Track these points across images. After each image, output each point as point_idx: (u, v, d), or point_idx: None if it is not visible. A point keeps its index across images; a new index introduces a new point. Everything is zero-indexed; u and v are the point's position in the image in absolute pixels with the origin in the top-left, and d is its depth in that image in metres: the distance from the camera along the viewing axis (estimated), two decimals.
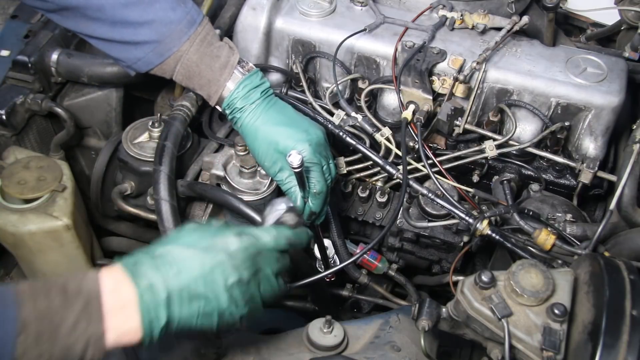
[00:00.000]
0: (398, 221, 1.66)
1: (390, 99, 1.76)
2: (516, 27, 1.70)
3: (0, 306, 0.84)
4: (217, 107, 1.50)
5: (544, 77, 1.64)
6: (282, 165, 1.42)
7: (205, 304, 0.98)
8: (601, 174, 1.61)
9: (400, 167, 1.55)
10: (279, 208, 1.31)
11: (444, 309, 1.23)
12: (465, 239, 1.65)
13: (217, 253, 1.01)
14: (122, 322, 0.91)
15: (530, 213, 1.54)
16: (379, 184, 1.78)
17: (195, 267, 0.97)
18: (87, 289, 0.89)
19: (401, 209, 1.65)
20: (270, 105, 1.47)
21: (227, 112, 1.47)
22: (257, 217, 1.45)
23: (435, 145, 1.73)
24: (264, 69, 1.82)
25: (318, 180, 1.43)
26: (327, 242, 1.69)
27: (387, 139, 1.67)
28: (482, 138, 1.68)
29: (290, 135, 1.41)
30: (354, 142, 1.62)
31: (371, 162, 1.66)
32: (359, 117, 1.70)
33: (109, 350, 0.91)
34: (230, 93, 1.44)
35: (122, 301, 0.92)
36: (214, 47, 1.45)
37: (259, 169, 1.56)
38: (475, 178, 1.75)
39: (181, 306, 0.96)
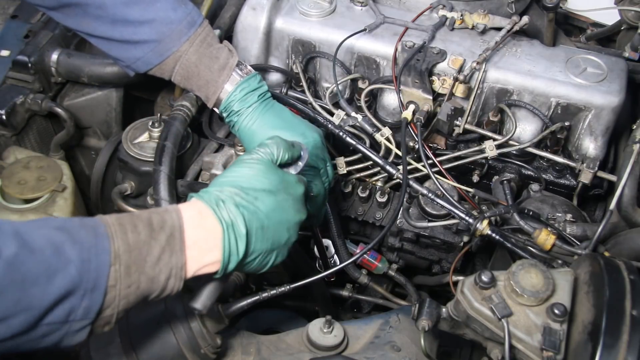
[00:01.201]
0: (398, 221, 1.67)
1: (390, 99, 1.76)
2: (516, 27, 1.70)
3: (95, 237, 0.88)
4: (215, 110, 1.50)
5: (544, 77, 1.64)
6: None
7: (272, 243, 1.08)
8: (601, 174, 1.61)
9: (400, 167, 1.55)
10: (304, 159, 1.24)
11: (444, 309, 1.23)
12: (465, 239, 1.65)
13: (288, 196, 1.10)
14: (203, 255, 0.97)
15: (530, 213, 1.54)
16: (379, 184, 1.78)
17: (269, 208, 1.06)
18: (171, 223, 0.94)
19: (401, 209, 1.65)
20: (267, 109, 1.47)
21: (225, 114, 1.47)
22: None
23: (435, 145, 1.73)
24: (264, 69, 1.82)
25: (315, 184, 1.43)
26: (327, 242, 1.69)
27: (387, 139, 1.67)
28: (482, 138, 1.68)
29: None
30: (354, 142, 1.62)
31: (371, 162, 1.66)
32: (359, 117, 1.70)
33: (188, 280, 0.97)
34: (228, 95, 1.44)
35: (205, 235, 0.97)
36: (213, 49, 1.45)
37: None
38: (475, 178, 1.75)
39: (256, 243, 1.04)
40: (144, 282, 0.91)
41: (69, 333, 0.87)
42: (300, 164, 1.21)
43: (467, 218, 1.47)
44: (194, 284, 1.08)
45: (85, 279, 0.85)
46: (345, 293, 1.77)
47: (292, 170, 1.20)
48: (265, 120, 1.44)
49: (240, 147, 1.57)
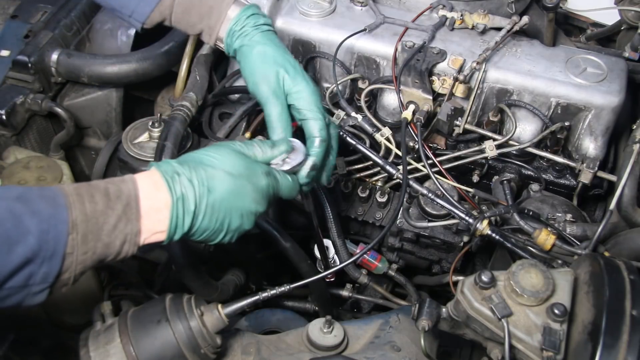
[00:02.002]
0: (398, 221, 1.67)
1: (390, 99, 1.76)
2: (516, 27, 1.70)
3: (53, 208, 0.92)
4: (218, 44, 1.41)
5: (544, 77, 1.64)
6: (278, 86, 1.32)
7: (221, 224, 1.08)
8: (601, 174, 1.61)
9: (400, 167, 1.55)
10: (298, 158, 1.23)
11: (444, 309, 1.23)
12: (465, 239, 1.65)
13: (246, 184, 1.09)
14: (154, 224, 1.01)
15: (530, 213, 1.54)
16: (379, 184, 1.78)
17: (224, 190, 1.06)
18: (127, 193, 0.98)
19: (401, 209, 1.65)
20: (272, 38, 1.37)
21: (227, 40, 1.38)
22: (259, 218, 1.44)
23: (435, 145, 1.73)
24: None
25: (322, 128, 1.31)
26: (327, 242, 1.69)
27: (387, 139, 1.67)
28: (482, 138, 1.68)
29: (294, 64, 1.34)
30: (354, 142, 1.63)
31: (371, 162, 1.66)
32: (359, 117, 1.70)
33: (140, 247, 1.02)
34: (235, 18, 1.35)
35: (157, 206, 1.00)
36: None
37: None
38: (475, 178, 1.75)
39: (203, 220, 1.05)
40: (100, 248, 0.96)
41: (29, 295, 0.92)
42: (290, 161, 1.20)
43: (467, 218, 1.47)
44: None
45: (44, 248, 0.89)
46: (345, 293, 1.77)
47: (286, 166, 1.20)
48: (275, 42, 1.35)
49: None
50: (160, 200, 1.01)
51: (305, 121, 1.28)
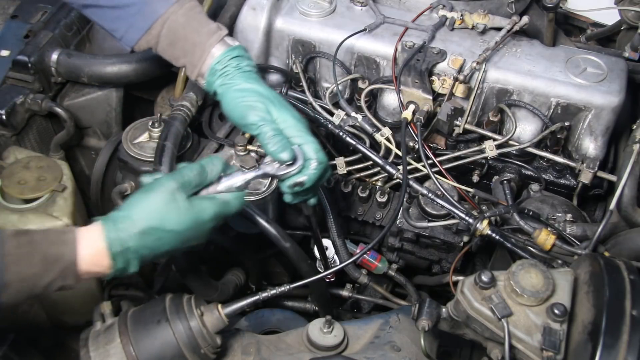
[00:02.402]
0: (398, 221, 1.66)
1: (390, 99, 1.76)
2: (516, 27, 1.70)
3: None
4: (199, 81, 1.42)
5: (544, 77, 1.64)
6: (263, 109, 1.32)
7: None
8: (601, 174, 1.61)
9: (400, 167, 1.55)
10: (238, 181, 1.22)
11: (444, 309, 1.23)
12: (465, 239, 1.65)
13: (194, 232, 1.13)
14: (93, 275, 1.08)
15: (530, 213, 1.54)
16: (379, 184, 1.78)
17: (171, 245, 1.12)
18: (67, 258, 1.03)
19: (401, 209, 1.65)
20: (254, 77, 1.37)
21: (209, 78, 1.38)
22: (258, 218, 1.45)
23: (435, 145, 1.73)
24: (264, 69, 1.82)
25: (317, 150, 1.31)
26: (327, 242, 1.69)
27: (387, 139, 1.67)
28: (482, 138, 1.68)
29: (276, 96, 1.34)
30: (354, 142, 1.63)
31: (371, 162, 1.66)
32: (359, 117, 1.70)
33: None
34: (217, 58, 1.36)
35: (97, 270, 1.07)
36: (202, 16, 1.41)
37: (261, 172, 1.55)
38: (475, 178, 1.75)
39: (144, 263, 1.12)
40: (34, 295, 1.03)
41: None
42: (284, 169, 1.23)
43: (467, 218, 1.47)
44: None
45: None
46: (345, 293, 1.77)
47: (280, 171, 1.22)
48: (252, 90, 1.34)
49: (241, 147, 1.57)
50: (101, 266, 1.07)
51: (299, 146, 1.28)
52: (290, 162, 1.26)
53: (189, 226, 1.11)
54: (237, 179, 1.20)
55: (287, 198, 1.35)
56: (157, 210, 1.09)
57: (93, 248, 1.05)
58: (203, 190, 1.18)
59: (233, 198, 1.18)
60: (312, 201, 1.43)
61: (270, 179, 1.55)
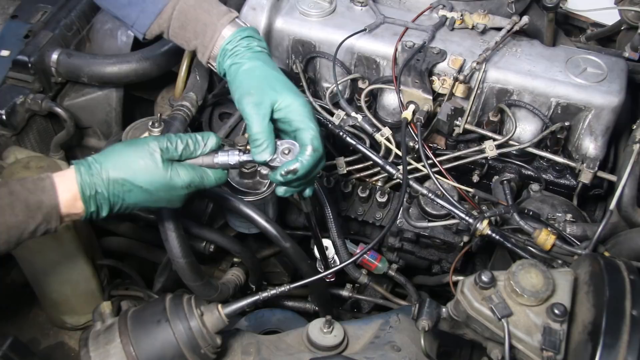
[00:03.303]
0: (398, 221, 1.67)
1: (390, 99, 1.76)
2: (516, 27, 1.70)
3: None
4: (210, 63, 1.40)
5: (544, 77, 1.64)
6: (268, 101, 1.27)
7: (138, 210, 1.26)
8: (601, 174, 1.61)
9: (400, 167, 1.55)
10: (234, 158, 1.22)
11: (444, 309, 1.23)
12: (465, 239, 1.65)
13: (164, 196, 1.16)
14: (71, 218, 1.13)
15: (530, 213, 1.54)
16: (379, 184, 1.78)
17: (140, 200, 1.15)
18: (48, 203, 1.07)
19: (401, 209, 1.65)
20: (266, 60, 1.34)
21: (220, 59, 1.36)
22: (258, 218, 1.45)
23: (435, 145, 1.73)
24: None
25: (314, 137, 1.25)
26: (327, 242, 1.69)
27: (387, 139, 1.67)
28: (482, 138, 1.68)
29: (288, 84, 1.31)
30: (354, 142, 1.62)
31: (371, 162, 1.66)
32: (359, 117, 1.70)
33: None
34: (228, 38, 1.34)
35: (75, 212, 1.11)
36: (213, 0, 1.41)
37: (259, 169, 1.56)
38: (475, 178, 1.75)
39: (117, 212, 1.16)
40: (22, 241, 1.08)
41: None
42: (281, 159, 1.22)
43: (467, 218, 1.47)
44: None
45: None
46: (345, 293, 1.77)
47: (277, 161, 1.20)
48: (267, 63, 1.33)
49: (241, 147, 1.57)
50: (77, 208, 1.11)
51: (298, 131, 1.24)
52: (286, 152, 1.23)
53: (159, 187, 1.13)
54: (233, 157, 1.21)
55: (280, 191, 1.29)
56: (131, 163, 1.12)
57: (69, 192, 1.09)
58: (196, 159, 1.19)
59: (213, 172, 1.20)
60: (308, 192, 1.38)
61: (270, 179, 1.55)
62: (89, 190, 1.10)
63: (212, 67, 1.41)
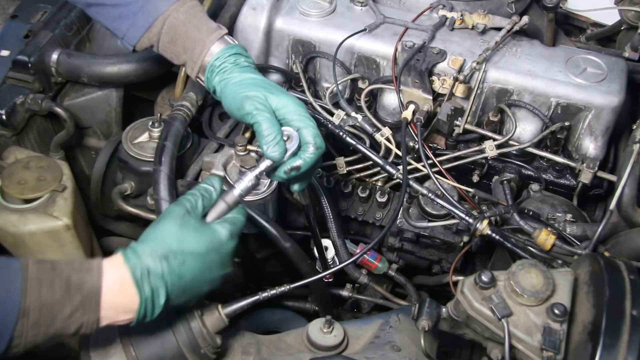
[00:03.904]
0: (398, 221, 1.67)
1: (390, 99, 1.76)
2: (516, 27, 1.70)
3: (7, 292, 0.93)
4: (199, 78, 1.41)
5: (544, 77, 1.64)
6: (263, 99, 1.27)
7: (191, 297, 1.12)
8: (601, 174, 1.61)
9: (400, 167, 1.55)
10: (249, 181, 1.19)
11: (444, 309, 1.23)
12: (465, 239, 1.65)
13: (217, 256, 1.11)
14: (118, 315, 1.01)
15: (530, 213, 1.54)
16: (379, 184, 1.78)
17: (195, 272, 1.07)
18: (90, 285, 0.98)
19: (401, 209, 1.65)
20: (254, 72, 1.35)
21: (208, 75, 1.37)
22: (258, 218, 1.45)
23: (435, 145, 1.73)
24: (264, 68, 1.82)
25: (316, 135, 1.26)
26: (327, 242, 1.69)
27: (387, 139, 1.67)
28: (482, 138, 1.68)
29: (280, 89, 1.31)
30: (354, 142, 1.62)
31: (371, 162, 1.66)
32: (359, 117, 1.70)
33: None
34: (216, 55, 1.35)
35: (123, 301, 1.01)
36: (203, 15, 1.42)
37: None
38: (475, 178, 1.75)
39: (174, 301, 1.07)
40: (53, 331, 0.96)
41: None
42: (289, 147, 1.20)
43: (467, 218, 1.47)
44: None
45: None
46: (345, 293, 1.77)
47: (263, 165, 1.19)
48: (250, 81, 1.32)
49: (241, 147, 1.57)
50: (127, 296, 1.01)
51: (298, 130, 1.24)
52: (285, 139, 1.23)
53: (209, 247, 1.09)
54: (248, 178, 1.19)
55: (283, 175, 1.28)
56: (172, 233, 1.06)
57: (117, 275, 1.01)
58: (218, 205, 1.16)
59: (236, 213, 1.17)
60: (297, 187, 1.36)
61: (270, 179, 1.55)
62: (140, 271, 1.01)
63: (200, 82, 1.42)
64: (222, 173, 1.58)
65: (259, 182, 1.20)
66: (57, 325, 0.96)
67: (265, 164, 1.22)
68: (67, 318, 0.96)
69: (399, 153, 1.62)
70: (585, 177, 1.61)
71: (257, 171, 1.20)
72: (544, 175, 1.69)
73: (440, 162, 1.65)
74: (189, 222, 1.08)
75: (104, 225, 1.88)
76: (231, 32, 1.82)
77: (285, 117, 1.26)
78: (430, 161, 1.61)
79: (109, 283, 0.99)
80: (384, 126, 1.69)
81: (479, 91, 1.67)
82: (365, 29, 1.72)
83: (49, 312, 0.94)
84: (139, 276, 1.01)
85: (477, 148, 1.66)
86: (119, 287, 1.00)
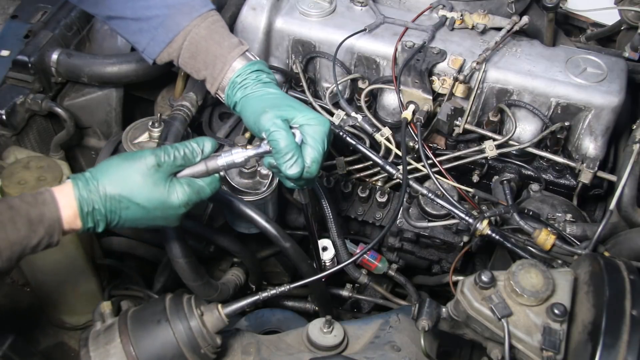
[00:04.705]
0: (398, 221, 1.67)
1: (390, 99, 1.76)
2: (516, 27, 1.70)
3: None
4: (219, 94, 1.41)
5: (544, 77, 1.64)
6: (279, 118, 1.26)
7: (137, 226, 1.17)
8: (601, 174, 1.61)
9: (400, 167, 1.55)
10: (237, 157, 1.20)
11: (444, 309, 1.23)
12: (465, 239, 1.65)
13: (161, 214, 1.14)
14: (72, 231, 1.11)
15: (530, 213, 1.54)
16: (379, 184, 1.79)
17: (137, 216, 1.13)
18: (49, 216, 1.06)
19: (401, 209, 1.65)
20: (274, 89, 1.35)
21: (229, 92, 1.37)
22: (258, 218, 1.45)
23: (435, 145, 1.73)
24: None
25: (315, 160, 1.26)
26: (327, 242, 1.69)
27: (387, 139, 1.67)
28: (482, 138, 1.68)
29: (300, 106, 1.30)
30: (354, 142, 1.62)
31: (371, 162, 1.66)
32: (359, 117, 1.70)
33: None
34: (238, 71, 1.35)
35: (75, 227, 1.10)
36: (225, 30, 1.41)
37: (259, 169, 1.56)
38: (475, 178, 1.75)
39: (115, 227, 1.15)
40: (24, 256, 1.07)
41: None
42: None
43: (467, 218, 1.47)
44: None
45: None
46: (345, 293, 1.77)
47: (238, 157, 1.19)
48: (270, 96, 1.32)
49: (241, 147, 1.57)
50: (76, 224, 1.10)
51: (303, 145, 1.24)
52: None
53: (157, 205, 1.12)
54: (239, 155, 1.19)
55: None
56: (129, 180, 1.10)
57: (70, 208, 1.08)
58: (198, 165, 1.17)
59: (207, 184, 1.17)
60: (289, 184, 1.35)
61: (270, 179, 1.55)
62: (87, 207, 1.08)
63: (220, 98, 1.42)
64: (222, 173, 1.58)
65: (245, 163, 1.20)
66: (27, 252, 1.06)
67: (259, 150, 1.22)
68: (35, 246, 1.05)
69: (399, 153, 1.62)
70: (585, 177, 1.61)
71: (249, 152, 1.20)
72: (544, 175, 1.69)
73: (440, 162, 1.65)
74: (152, 175, 1.11)
75: None
76: (231, 31, 1.82)
77: (303, 129, 1.25)
78: (430, 161, 1.61)
79: (64, 214, 1.08)
80: (384, 126, 1.69)
81: (479, 91, 1.67)
82: (365, 29, 1.72)
83: (19, 247, 1.03)
84: (85, 211, 1.08)
85: (477, 148, 1.66)
86: (72, 218, 1.08)
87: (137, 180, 1.10)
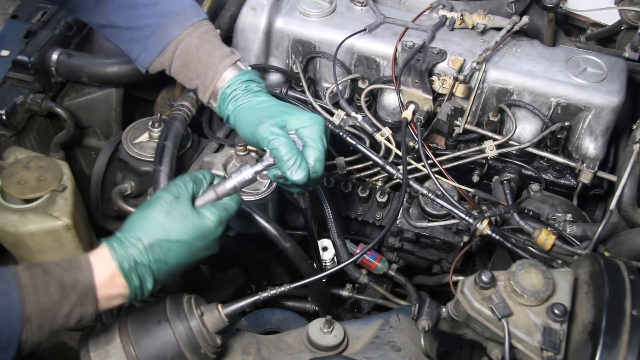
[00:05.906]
0: (398, 221, 1.66)
1: (390, 99, 1.76)
2: (516, 27, 1.70)
3: (7, 305, 0.95)
4: (211, 103, 1.41)
5: (544, 77, 1.64)
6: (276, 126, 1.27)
7: (179, 272, 1.16)
8: (601, 174, 1.61)
9: (400, 167, 1.55)
10: (245, 176, 1.19)
11: (444, 309, 1.23)
12: (465, 239, 1.65)
13: (202, 243, 1.12)
14: (112, 300, 1.07)
15: (530, 213, 1.54)
16: (379, 184, 1.78)
17: (182, 257, 1.11)
18: (83, 281, 1.02)
19: (401, 209, 1.65)
20: (268, 98, 1.35)
21: (220, 103, 1.37)
22: (258, 218, 1.45)
23: (435, 145, 1.73)
24: (264, 69, 1.82)
25: (318, 159, 1.26)
26: (327, 242, 1.69)
27: (387, 139, 1.67)
28: (482, 138, 1.69)
29: (295, 111, 1.31)
30: (354, 142, 1.62)
31: (371, 162, 1.66)
32: (359, 117, 1.70)
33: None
34: (229, 81, 1.35)
35: (115, 291, 1.05)
36: (216, 40, 1.41)
37: None
38: (475, 178, 1.75)
39: (162, 281, 1.12)
40: (56, 329, 1.01)
41: None
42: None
43: (467, 218, 1.47)
44: None
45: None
46: (345, 293, 1.77)
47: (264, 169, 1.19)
48: (263, 105, 1.32)
49: (240, 147, 1.57)
50: (118, 286, 1.05)
51: (305, 147, 1.24)
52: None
53: (195, 234, 1.10)
54: (247, 173, 1.19)
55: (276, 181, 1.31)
56: (158, 222, 1.08)
57: (106, 270, 1.04)
58: (207, 193, 1.17)
59: (229, 200, 1.17)
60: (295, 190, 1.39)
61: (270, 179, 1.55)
62: (128, 263, 1.05)
63: (212, 108, 1.42)
64: (222, 173, 1.58)
65: (255, 178, 1.20)
66: (59, 323, 1.00)
67: (266, 164, 1.22)
68: (66, 315, 1.00)
69: (399, 153, 1.62)
70: (585, 177, 1.61)
71: (257, 168, 1.20)
72: (544, 175, 1.69)
73: (440, 162, 1.65)
74: (176, 209, 1.09)
75: (104, 225, 1.88)
76: (231, 32, 1.82)
77: (300, 131, 1.25)
78: (430, 161, 1.61)
79: (100, 278, 1.03)
80: (384, 126, 1.69)
81: (479, 91, 1.67)
82: (365, 29, 1.72)
83: (50, 314, 0.98)
84: (127, 268, 1.04)
85: (477, 148, 1.66)
86: (109, 280, 1.04)
87: (166, 220, 1.08)
